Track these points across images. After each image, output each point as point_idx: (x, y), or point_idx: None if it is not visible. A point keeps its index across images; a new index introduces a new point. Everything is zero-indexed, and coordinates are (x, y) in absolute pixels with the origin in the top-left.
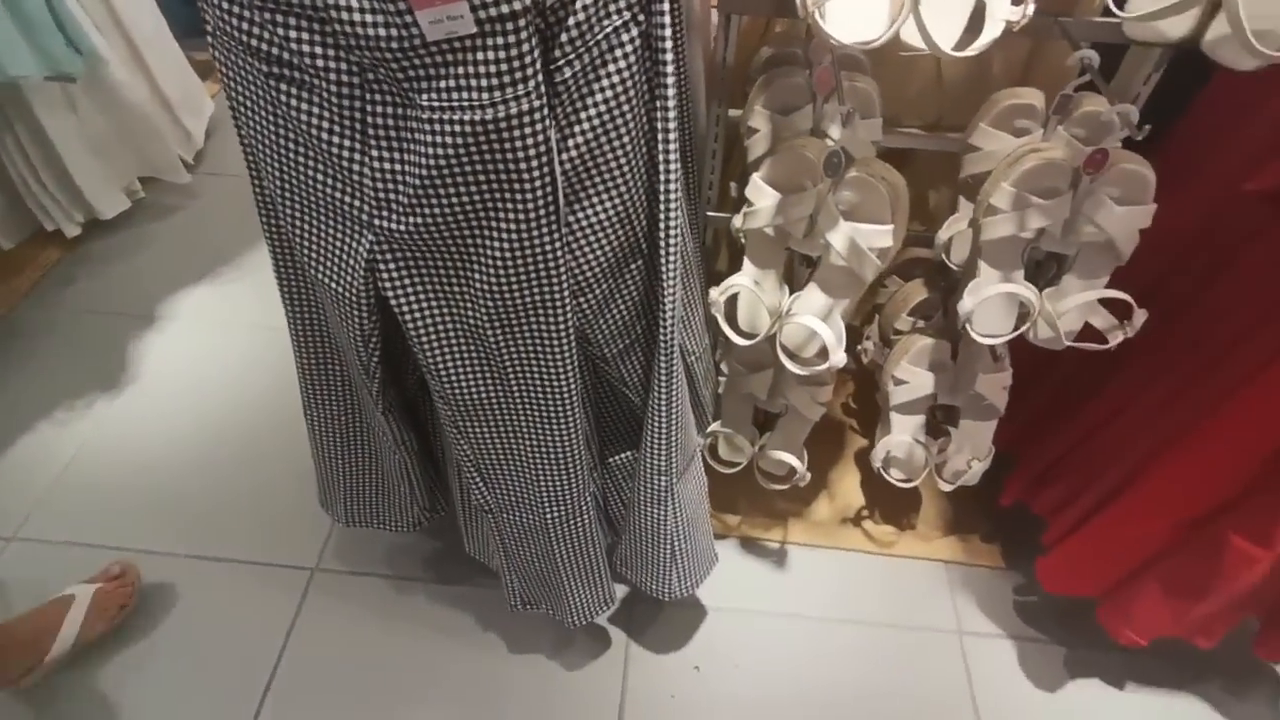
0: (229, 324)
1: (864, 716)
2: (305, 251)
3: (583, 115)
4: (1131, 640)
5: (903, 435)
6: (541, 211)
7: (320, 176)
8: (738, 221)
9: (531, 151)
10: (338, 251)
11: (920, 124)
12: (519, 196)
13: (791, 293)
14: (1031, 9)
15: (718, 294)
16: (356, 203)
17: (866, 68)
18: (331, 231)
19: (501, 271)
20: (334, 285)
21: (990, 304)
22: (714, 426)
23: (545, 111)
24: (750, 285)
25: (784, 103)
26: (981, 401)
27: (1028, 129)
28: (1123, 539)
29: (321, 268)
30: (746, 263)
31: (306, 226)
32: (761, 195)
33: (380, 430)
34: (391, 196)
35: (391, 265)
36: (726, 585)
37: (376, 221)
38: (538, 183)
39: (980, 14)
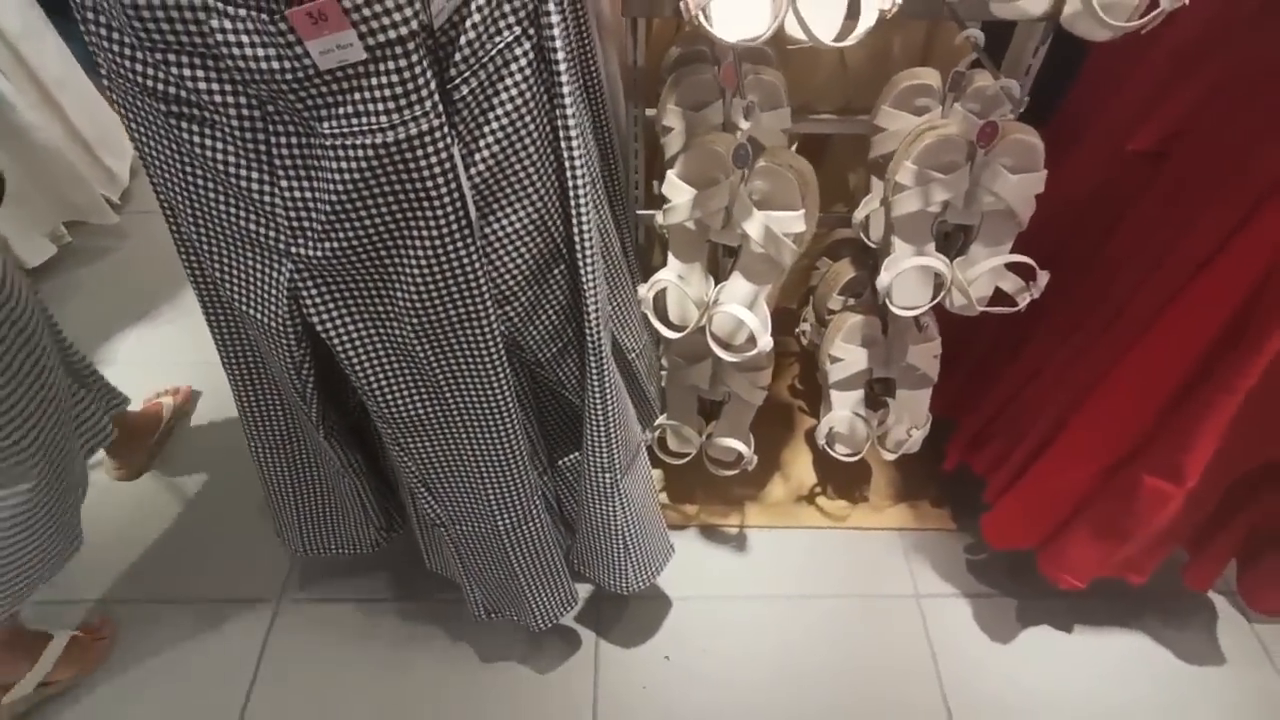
0: (169, 364)
1: (831, 687)
2: (227, 286)
3: (486, 130)
4: (1070, 584)
5: (843, 411)
6: (454, 226)
7: (232, 210)
8: (660, 218)
9: (436, 169)
10: (259, 283)
11: (831, 109)
12: (430, 214)
13: (717, 283)
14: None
15: (645, 290)
16: (271, 233)
17: (772, 59)
18: (251, 264)
19: (422, 288)
20: (259, 317)
21: (906, 277)
22: (661, 420)
23: (446, 129)
24: (674, 280)
25: (695, 99)
26: (915, 372)
27: (927, 107)
28: (1053, 489)
29: (245, 300)
30: (671, 258)
31: (226, 261)
32: (677, 191)
33: (325, 455)
34: (305, 224)
35: (314, 291)
36: (689, 574)
37: (293, 250)
38: (446, 199)
39: (857, 3)
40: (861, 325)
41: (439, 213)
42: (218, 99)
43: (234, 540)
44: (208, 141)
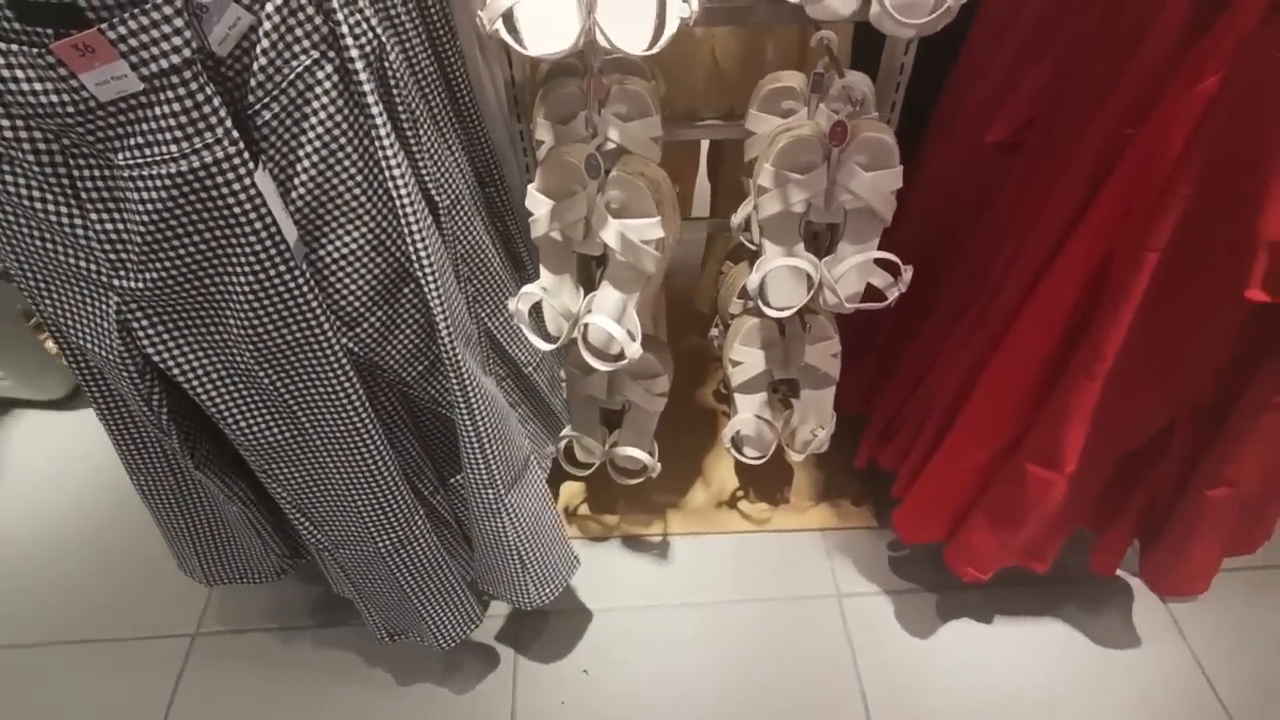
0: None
1: (751, 692)
2: (61, 321)
3: (300, 154)
4: (973, 576)
5: (746, 414)
6: (271, 253)
7: (50, 245)
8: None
9: (241, 196)
10: (89, 316)
11: (716, 115)
12: (242, 241)
13: (588, 293)
14: (696, 4)
15: (513, 304)
16: (92, 266)
17: (643, 69)
18: (78, 297)
19: (251, 315)
20: (97, 350)
21: (778, 278)
22: (565, 431)
23: (244, 157)
24: (539, 292)
25: (562, 112)
26: (816, 371)
27: (793, 109)
28: (950, 480)
29: (79, 334)
30: (542, 270)
31: (56, 296)
32: (537, 204)
33: (203, 486)
34: (122, 256)
35: (145, 323)
36: (611, 585)
37: (115, 282)
38: (256, 225)
39: (664, 13)
40: (758, 328)
41: (251, 240)
42: (9, 135)
43: (152, 573)
44: (10, 178)
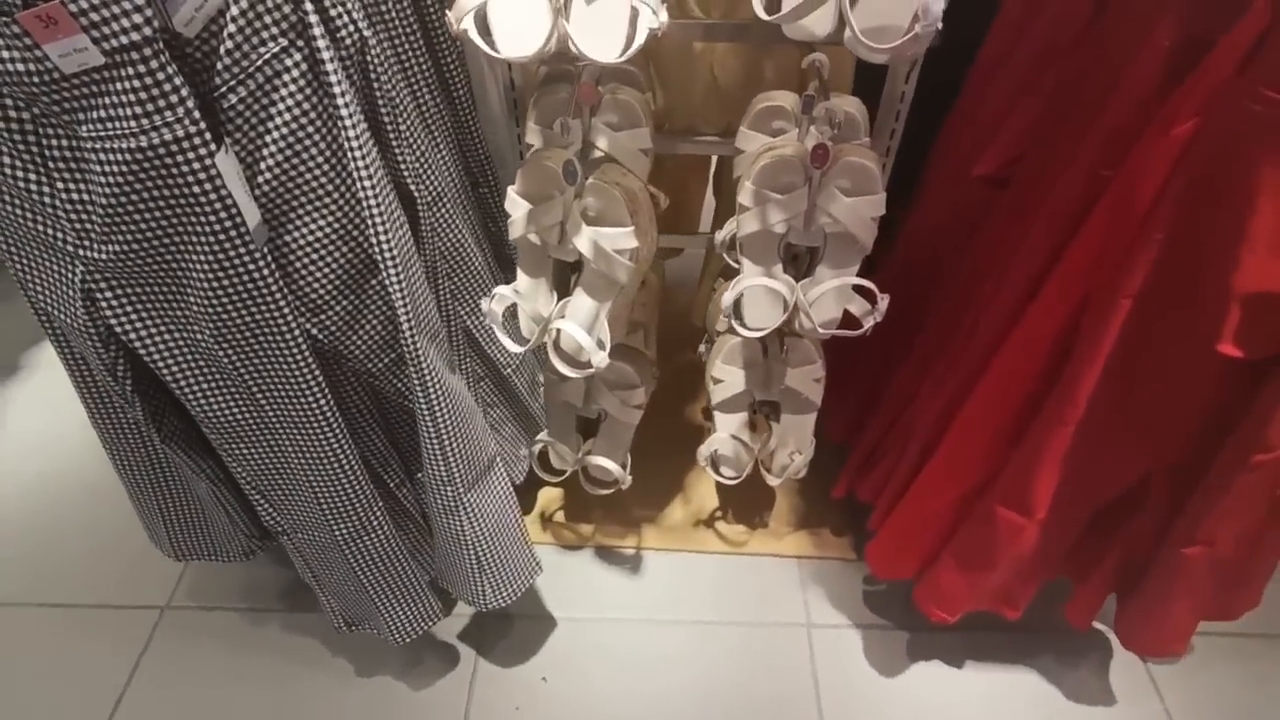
0: None
1: (708, 716)
2: (31, 286)
3: (267, 139)
4: (940, 617)
5: (725, 433)
6: (231, 233)
7: (19, 212)
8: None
9: (200, 175)
10: (55, 284)
11: (713, 131)
12: (201, 220)
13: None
14: (665, 17)
15: (487, 304)
16: (59, 234)
17: (639, 80)
18: (47, 265)
19: (211, 294)
20: (63, 317)
21: (754, 297)
22: (540, 437)
23: (205, 138)
24: (511, 295)
25: (553, 118)
26: (797, 396)
27: (784, 129)
28: (922, 517)
29: (47, 299)
30: (519, 272)
31: (25, 263)
32: (515, 206)
33: (171, 460)
34: (86, 226)
35: (108, 293)
36: (580, 595)
37: (81, 251)
38: (215, 205)
39: (635, 24)
40: (740, 347)
41: (210, 219)
42: None
43: (131, 543)
44: None
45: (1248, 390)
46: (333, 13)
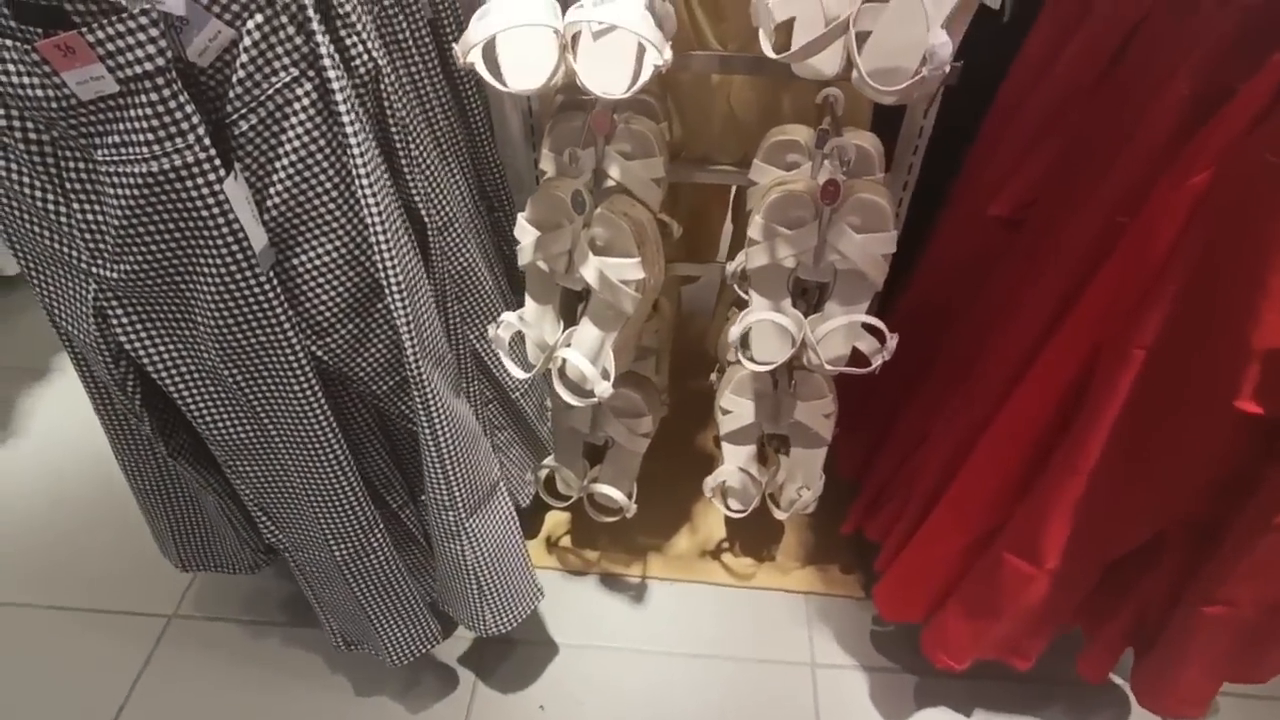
0: None
1: None
2: (49, 302)
3: (277, 165)
4: (947, 664)
5: (732, 465)
6: (238, 258)
7: (38, 230)
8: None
9: (209, 200)
10: (70, 300)
11: (730, 161)
12: (210, 244)
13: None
14: (669, 55)
15: (493, 330)
16: (74, 252)
17: (654, 110)
18: (63, 281)
19: (217, 315)
20: (75, 332)
21: (762, 331)
22: (546, 461)
23: (214, 164)
24: (517, 323)
25: (568, 145)
26: (807, 430)
27: (797, 163)
28: (930, 561)
29: (61, 316)
30: (527, 298)
31: (44, 277)
32: (524, 233)
33: (179, 473)
34: (100, 245)
35: (120, 312)
36: (582, 622)
37: (94, 270)
38: (223, 229)
39: (641, 60)
40: (750, 378)
41: (218, 242)
42: (2, 123)
43: (142, 549)
44: (3, 165)
45: (1268, 448)
46: (347, 41)
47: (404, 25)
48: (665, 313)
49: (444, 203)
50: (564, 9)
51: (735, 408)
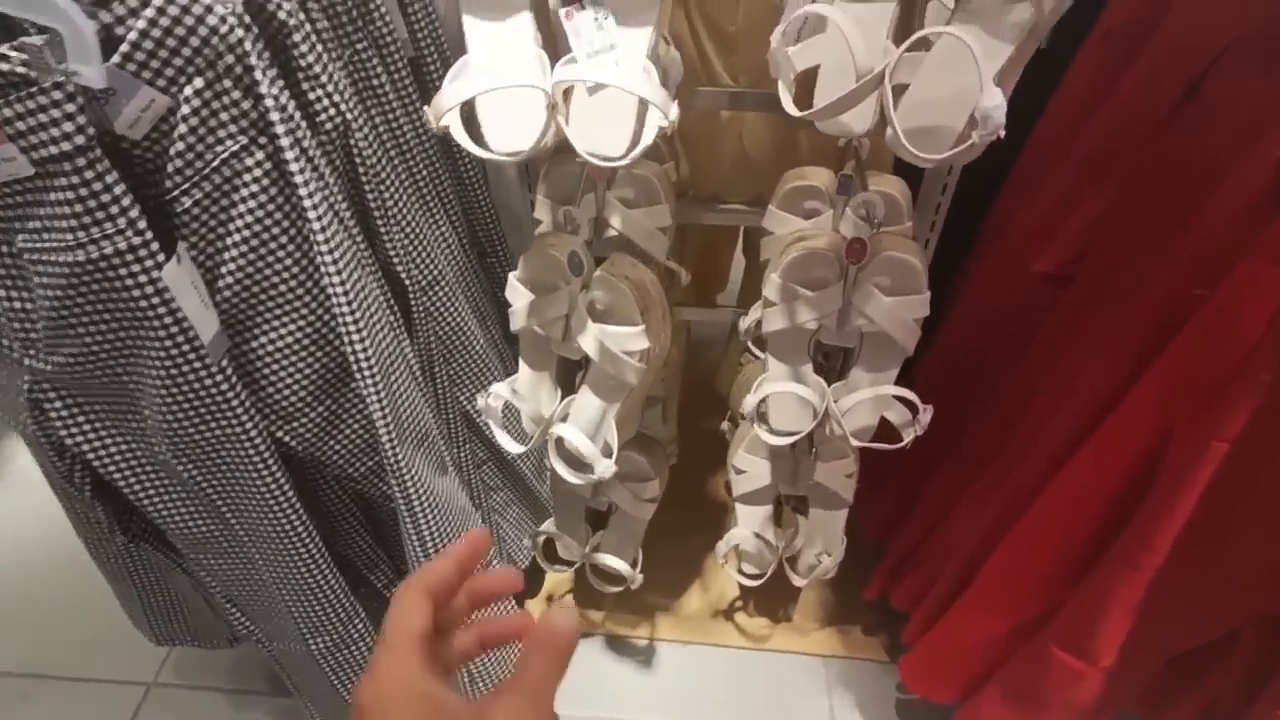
0: None
1: None
2: None
3: (228, 242)
4: None
5: (746, 529)
6: (184, 348)
7: None
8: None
9: (147, 290)
10: (6, 390)
11: (741, 200)
12: (151, 335)
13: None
14: (676, 114)
15: (483, 401)
16: (5, 342)
17: (657, 149)
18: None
19: (166, 409)
20: (12, 424)
21: (781, 403)
22: (544, 526)
23: (151, 249)
24: (509, 394)
25: (564, 192)
26: (827, 491)
27: (817, 210)
28: (967, 641)
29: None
30: (521, 364)
31: None
32: (516, 295)
33: (143, 555)
34: (32, 335)
35: (58, 404)
36: (587, 689)
37: (26, 361)
38: (165, 319)
39: (642, 121)
40: None
41: (160, 334)
42: None
43: (118, 614)
44: None
45: None
46: (311, 96)
47: (379, 69)
48: (672, 358)
49: (427, 259)
50: (553, 61)
51: (750, 468)
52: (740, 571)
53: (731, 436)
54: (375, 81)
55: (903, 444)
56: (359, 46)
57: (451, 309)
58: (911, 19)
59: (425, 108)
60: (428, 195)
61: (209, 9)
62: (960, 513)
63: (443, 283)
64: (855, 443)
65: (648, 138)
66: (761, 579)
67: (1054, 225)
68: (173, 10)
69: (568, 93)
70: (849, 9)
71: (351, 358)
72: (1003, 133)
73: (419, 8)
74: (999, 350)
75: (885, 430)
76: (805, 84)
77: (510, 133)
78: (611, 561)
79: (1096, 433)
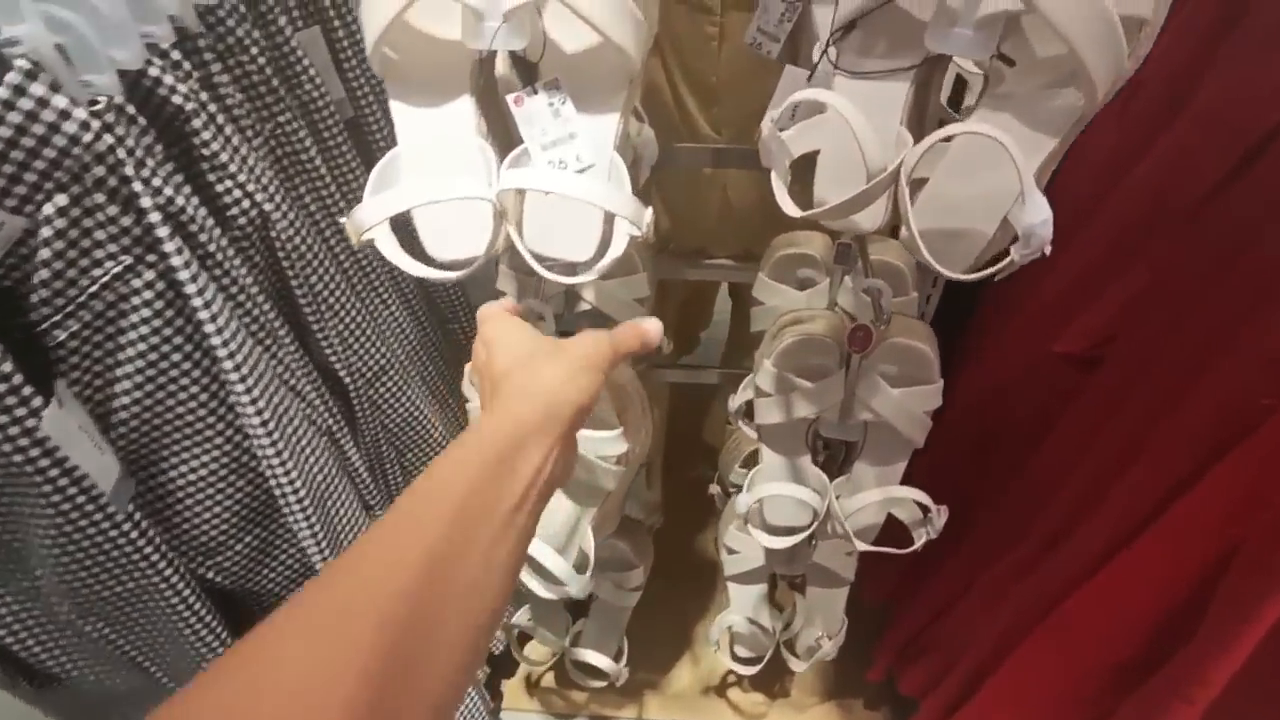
0: None
1: None
2: None
3: (119, 374)
4: None
5: (739, 614)
6: (79, 501)
7: None
8: None
9: (22, 444)
10: None
11: (728, 254)
12: (36, 493)
13: None
14: (650, 218)
15: None
16: None
17: None
18: None
19: (65, 571)
20: None
21: (778, 504)
22: (518, 617)
23: (22, 395)
24: None
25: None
26: (825, 570)
27: (811, 280)
28: None
29: None
30: None
31: None
32: (473, 393)
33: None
34: None
35: None
36: None
37: None
38: (51, 473)
39: (611, 222)
40: None
41: (47, 490)
42: None
43: None
44: None
45: None
46: (219, 189)
47: (307, 140)
48: (654, 421)
49: (370, 348)
50: (503, 150)
51: (742, 548)
52: (734, 657)
53: (721, 504)
54: (303, 156)
55: (914, 548)
56: (281, 119)
57: (402, 397)
58: (928, 96)
59: (343, 220)
60: (371, 273)
61: (64, 114)
62: (975, 599)
63: (391, 371)
64: (860, 546)
65: (617, 248)
66: (758, 665)
67: (1078, 303)
68: (14, 118)
69: (520, 198)
70: (853, 89)
71: (275, 487)
72: (1048, 249)
73: (357, 62)
74: (1014, 434)
75: (891, 523)
76: (800, 165)
77: (455, 240)
78: (594, 657)
79: (1143, 538)
